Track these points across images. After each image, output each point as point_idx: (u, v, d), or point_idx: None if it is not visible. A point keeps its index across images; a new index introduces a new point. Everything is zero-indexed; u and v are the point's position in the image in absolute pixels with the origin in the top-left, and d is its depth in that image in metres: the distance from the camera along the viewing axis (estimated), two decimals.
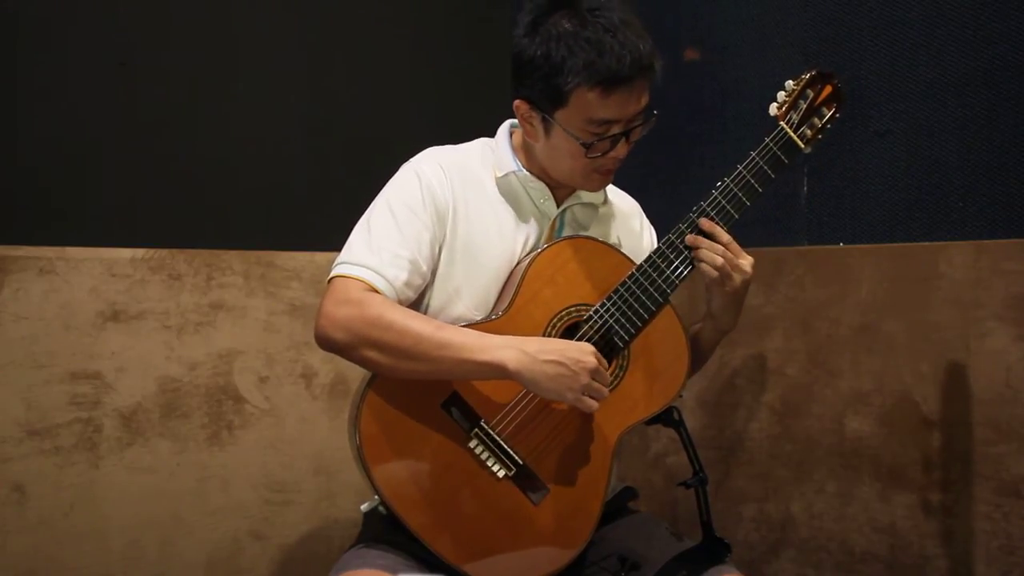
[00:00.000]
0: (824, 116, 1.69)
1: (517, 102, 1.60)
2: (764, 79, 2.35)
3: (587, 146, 1.55)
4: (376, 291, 1.53)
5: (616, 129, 1.55)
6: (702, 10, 2.49)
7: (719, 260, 1.58)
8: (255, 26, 2.28)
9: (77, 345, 2.00)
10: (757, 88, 2.37)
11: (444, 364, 1.49)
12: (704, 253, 1.59)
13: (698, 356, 1.74)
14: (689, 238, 1.60)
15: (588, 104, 1.52)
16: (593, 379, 1.49)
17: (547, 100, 1.55)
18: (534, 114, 1.59)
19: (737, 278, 1.60)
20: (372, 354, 1.49)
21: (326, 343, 1.53)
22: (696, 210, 1.62)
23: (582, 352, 1.50)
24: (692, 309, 1.88)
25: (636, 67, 1.50)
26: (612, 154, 1.58)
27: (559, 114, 1.55)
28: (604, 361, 1.53)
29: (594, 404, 1.51)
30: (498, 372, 1.48)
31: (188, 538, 2.11)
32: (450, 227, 1.61)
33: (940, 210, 2.07)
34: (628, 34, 1.51)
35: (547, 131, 1.59)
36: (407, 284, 1.56)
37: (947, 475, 2.03)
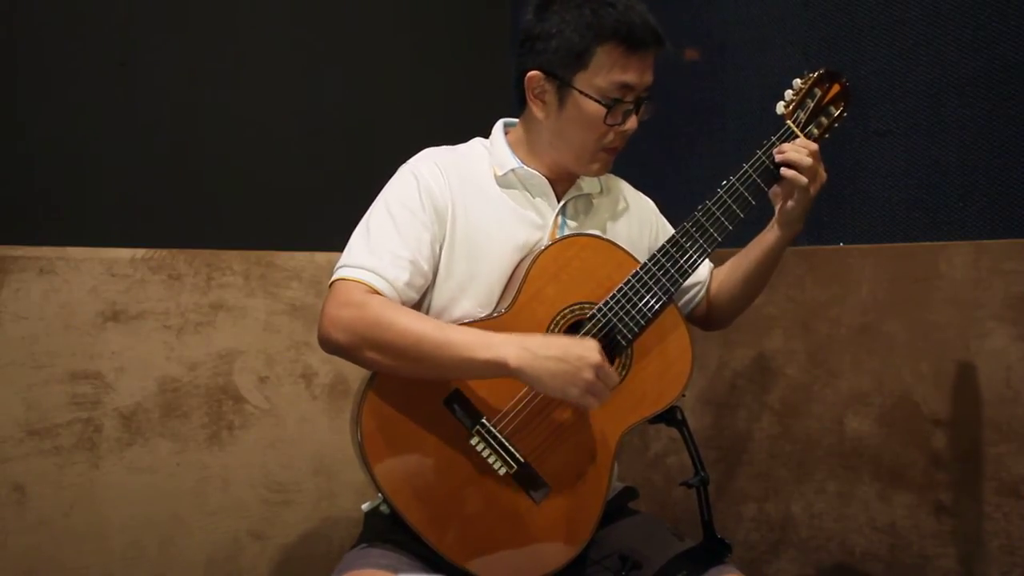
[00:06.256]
0: (832, 115, 1.68)
1: (531, 74, 1.61)
2: (764, 79, 2.35)
3: (608, 108, 1.57)
4: (377, 292, 1.53)
5: (630, 97, 1.59)
6: (702, 10, 2.50)
7: (810, 161, 1.61)
8: (255, 26, 2.28)
9: (77, 345, 2.00)
10: (757, 88, 2.37)
11: (446, 363, 1.49)
12: (796, 156, 1.61)
13: (766, 270, 1.76)
14: (778, 149, 1.63)
15: (610, 64, 1.56)
16: (597, 376, 1.48)
17: (567, 64, 1.58)
18: (548, 85, 1.61)
19: (823, 175, 1.64)
20: (374, 355, 1.49)
21: (329, 345, 1.53)
22: (701, 208, 1.62)
23: (585, 349, 1.48)
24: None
25: (654, 33, 1.58)
26: (623, 127, 1.61)
27: (579, 78, 1.58)
28: (606, 360, 1.51)
29: (596, 403, 1.50)
30: (500, 369, 1.48)
31: (188, 538, 2.11)
32: (450, 226, 1.61)
33: (940, 210, 2.07)
34: (642, 7, 1.59)
35: (561, 101, 1.60)
36: (408, 284, 1.56)
37: (947, 475, 2.03)
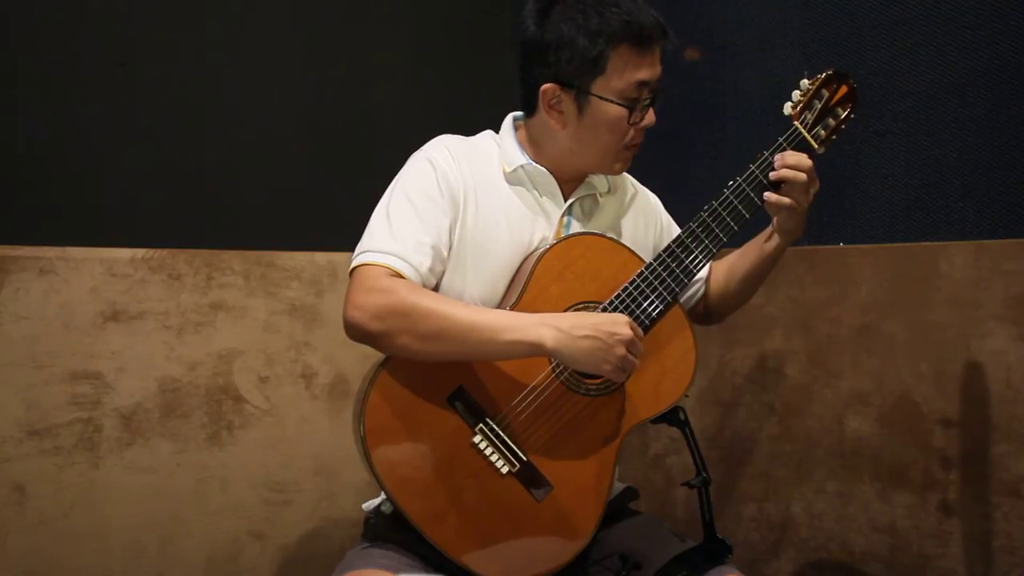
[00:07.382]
0: (839, 117, 1.67)
1: (546, 87, 1.60)
2: (764, 79, 2.35)
3: (631, 109, 1.58)
4: (402, 277, 1.52)
5: (647, 93, 1.60)
6: (702, 10, 2.50)
7: (804, 177, 1.61)
8: (255, 26, 2.28)
9: (77, 345, 1.99)
10: (757, 89, 2.37)
11: (476, 345, 1.49)
12: (798, 161, 1.61)
13: (765, 271, 1.76)
14: (779, 161, 1.62)
15: (626, 64, 1.57)
16: (628, 351, 1.51)
17: (583, 72, 1.57)
18: (565, 95, 1.60)
19: (816, 187, 1.64)
20: (405, 340, 1.48)
21: (356, 331, 1.51)
22: (707, 209, 1.62)
23: (616, 324, 1.50)
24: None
25: (660, 27, 1.59)
26: (644, 122, 1.62)
27: (597, 83, 1.58)
28: (639, 330, 1.54)
29: (626, 376, 1.54)
30: (535, 350, 1.49)
31: (188, 538, 2.11)
32: (462, 214, 1.61)
33: (940, 210, 2.07)
34: (641, 1, 1.60)
35: (581, 109, 1.60)
36: (431, 271, 1.56)
37: (947, 475, 2.03)
